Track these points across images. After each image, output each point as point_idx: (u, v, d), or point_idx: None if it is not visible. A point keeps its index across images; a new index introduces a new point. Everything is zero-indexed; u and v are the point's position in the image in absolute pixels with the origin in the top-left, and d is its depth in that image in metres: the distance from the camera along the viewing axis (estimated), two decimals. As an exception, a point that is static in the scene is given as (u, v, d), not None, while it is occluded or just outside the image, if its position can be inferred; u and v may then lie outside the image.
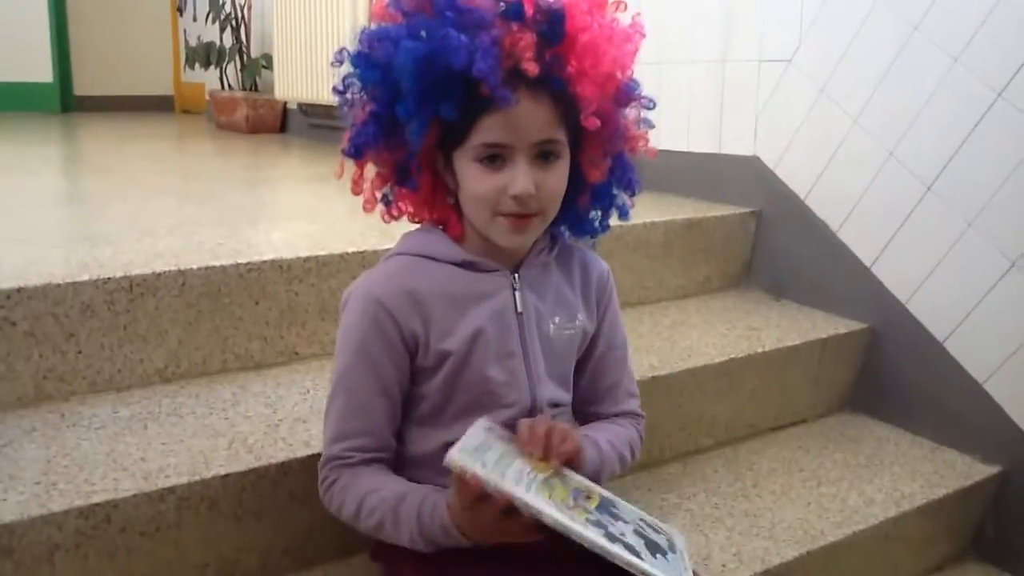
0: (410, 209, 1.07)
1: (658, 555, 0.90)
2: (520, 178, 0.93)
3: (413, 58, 0.90)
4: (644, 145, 1.04)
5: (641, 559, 0.85)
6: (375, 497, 0.97)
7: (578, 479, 0.94)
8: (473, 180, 0.96)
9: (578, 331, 1.09)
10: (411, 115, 0.93)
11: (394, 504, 0.95)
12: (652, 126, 1.04)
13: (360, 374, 1.00)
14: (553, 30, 0.92)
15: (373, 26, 0.96)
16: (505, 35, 0.90)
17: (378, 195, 1.05)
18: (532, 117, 0.93)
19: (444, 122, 0.94)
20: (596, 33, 0.93)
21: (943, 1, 1.67)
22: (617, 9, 0.99)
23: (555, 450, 0.91)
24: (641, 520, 0.97)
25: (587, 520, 0.87)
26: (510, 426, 1.02)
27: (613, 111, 0.98)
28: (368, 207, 1.06)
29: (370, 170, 1.04)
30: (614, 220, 1.11)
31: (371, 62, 0.95)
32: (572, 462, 0.94)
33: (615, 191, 1.06)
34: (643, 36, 0.99)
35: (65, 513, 1.02)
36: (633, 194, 1.08)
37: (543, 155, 0.95)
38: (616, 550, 0.84)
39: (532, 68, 0.90)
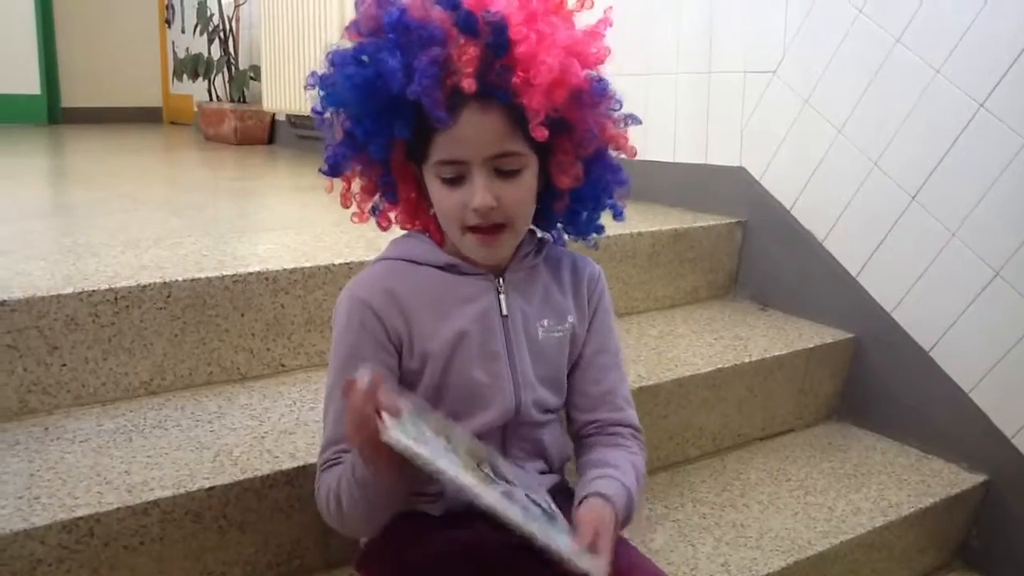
0: (398, 218, 1.08)
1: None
2: (478, 192, 0.93)
3: (352, 85, 0.92)
4: (626, 143, 1.02)
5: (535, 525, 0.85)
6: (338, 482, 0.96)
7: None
8: (438, 196, 0.97)
9: (567, 334, 1.08)
10: (369, 136, 0.95)
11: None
12: (639, 122, 1.02)
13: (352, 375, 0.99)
14: (497, 41, 0.91)
15: (336, 50, 0.97)
16: (453, 50, 0.90)
17: (365, 208, 1.06)
18: (483, 131, 0.92)
19: (405, 139, 0.95)
20: (532, 43, 0.90)
21: (924, 13, 1.69)
22: (582, 7, 0.98)
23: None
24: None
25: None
26: (494, 430, 1.02)
27: (580, 114, 0.96)
28: (356, 219, 1.07)
29: (357, 183, 1.05)
30: (609, 223, 1.09)
31: (329, 86, 0.96)
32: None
33: (599, 191, 1.05)
34: (602, 38, 0.97)
35: (48, 527, 1.01)
36: (610, 197, 1.06)
37: (502, 166, 0.95)
38: (544, 534, 0.84)
39: (469, 85, 0.89)
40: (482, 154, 0.93)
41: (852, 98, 1.84)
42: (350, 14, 0.98)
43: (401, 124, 0.93)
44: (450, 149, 0.93)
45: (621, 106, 1.01)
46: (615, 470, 1.02)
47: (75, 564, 1.03)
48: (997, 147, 1.59)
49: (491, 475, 0.91)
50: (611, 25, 0.99)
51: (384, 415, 0.81)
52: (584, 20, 0.99)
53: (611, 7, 1.00)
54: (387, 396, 0.82)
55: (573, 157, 0.99)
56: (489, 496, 0.82)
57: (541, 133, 0.92)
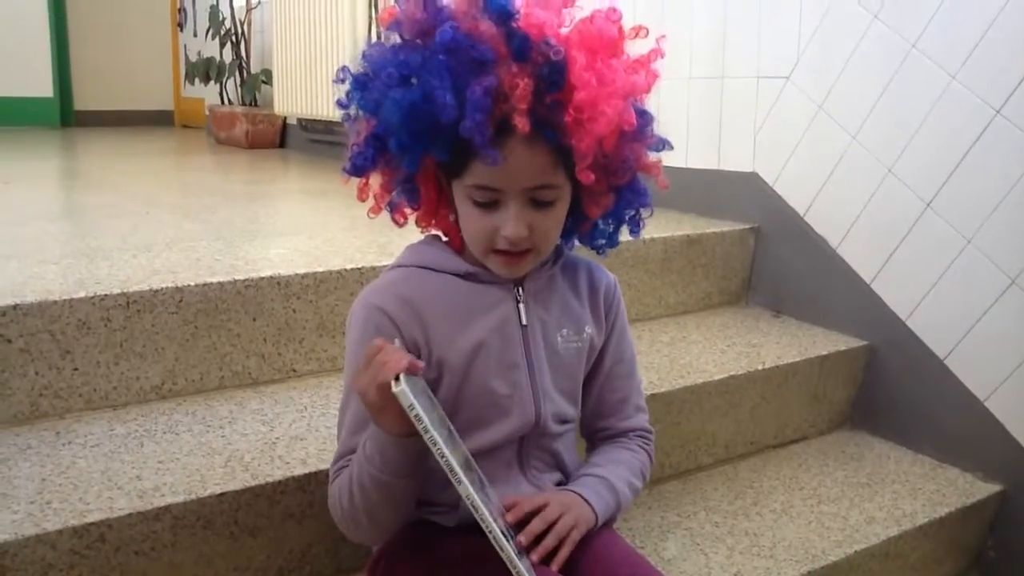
0: (417, 218, 1.06)
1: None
2: (511, 222, 0.92)
3: (399, 108, 0.88)
4: (659, 173, 1.00)
5: (516, 555, 0.86)
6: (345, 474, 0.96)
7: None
8: (467, 218, 0.96)
9: (586, 344, 1.08)
10: (403, 151, 0.92)
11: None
12: (671, 147, 1.00)
13: None
14: (553, 78, 0.88)
15: (372, 47, 0.94)
16: (504, 75, 0.86)
17: (383, 204, 1.04)
18: (526, 164, 0.90)
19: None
20: (593, 90, 0.87)
21: (940, 19, 1.68)
22: (638, 35, 0.95)
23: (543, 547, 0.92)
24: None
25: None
26: (511, 441, 1.02)
27: (620, 146, 0.94)
28: (372, 214, 1.04)
29: (375, 177, 1.02)
30: (624, 236, 1.09)
31: (366, 93, 0.93)
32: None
33: (623, 214, 1.04)
34: (656, 76, 0.95)
35: (59, 532, 1.01)
36: (635, 220, 1.06)
37: (539, 197, 0.93)
38: (504, 543, 0.85)
39: (523, 125, 0.85)
40: (521, 185, 0.91)
41: (867, 104, 1.83)
42: (362, 19, 0.96)
43: (440, 147, 0.90)
44: (488, 177, 0.91)
45: (663, 146, 1.00)
46: (600, 468, 1.07)
47: (86, 569, 1.03)
48: (1013, 154, 1.58)
49: (481, 479, 0.91)
50: (663, 56, 0.96)
51: (401, 375, 0.82)
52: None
53: (664, 35, 0.97)
54: (408, 357, 0.85)
55: (606, 187, 0.98)
56: (470, 488, 0.83)
57: (588, 177, 0.91)
